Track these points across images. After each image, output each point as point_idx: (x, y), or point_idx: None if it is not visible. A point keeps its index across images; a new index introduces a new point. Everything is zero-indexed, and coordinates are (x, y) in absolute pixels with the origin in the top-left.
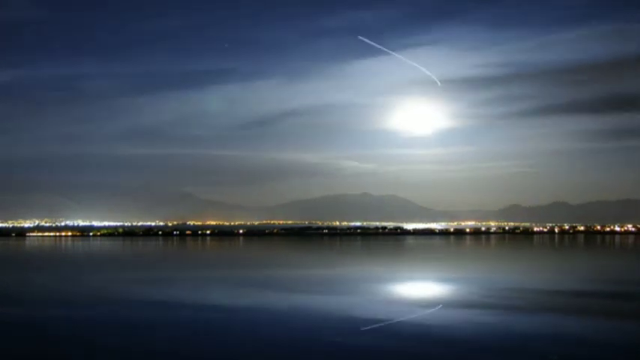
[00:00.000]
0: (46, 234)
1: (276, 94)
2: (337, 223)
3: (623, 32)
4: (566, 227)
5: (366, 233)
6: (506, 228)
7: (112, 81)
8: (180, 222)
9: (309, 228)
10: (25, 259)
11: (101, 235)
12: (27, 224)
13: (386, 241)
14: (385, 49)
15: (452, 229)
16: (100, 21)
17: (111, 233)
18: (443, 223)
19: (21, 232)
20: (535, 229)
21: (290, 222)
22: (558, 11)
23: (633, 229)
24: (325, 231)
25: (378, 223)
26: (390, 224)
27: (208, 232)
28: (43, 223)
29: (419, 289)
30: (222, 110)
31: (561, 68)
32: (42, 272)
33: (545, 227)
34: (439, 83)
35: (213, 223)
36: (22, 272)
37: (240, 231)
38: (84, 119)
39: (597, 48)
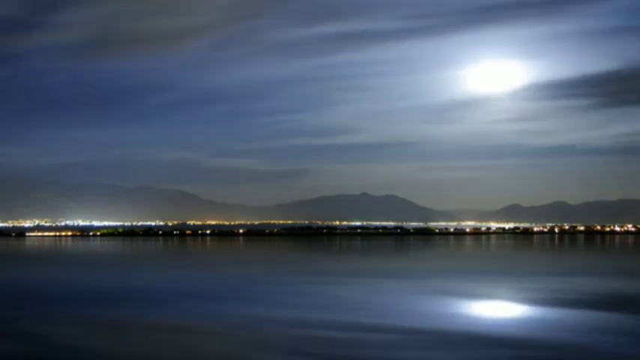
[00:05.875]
0: (46, 234)
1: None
2: (337, 222)
3: None
4: (566, 227)
5: (366, 233)
6: (506, 228)
7: None
8: (180, 222)
9: (309, 228)
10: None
11: (101, 235)
12: (27, 224)
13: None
14: None
15: (452, 229)
16: None
17: (111, 233)
18: (442, 223)
19: (21, 232)
20: (535, 229)
21: (290, 222)
22: None
23: (633, 229)
24: (325, 231)
25: (377, 223)
26: (391, 224)
27: (208, 232)
28: (43, 223)
29: None
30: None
31: None
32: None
33: (545, 227)
34: None
35: (213, 223)
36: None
37: (240, 231)
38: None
39: None
